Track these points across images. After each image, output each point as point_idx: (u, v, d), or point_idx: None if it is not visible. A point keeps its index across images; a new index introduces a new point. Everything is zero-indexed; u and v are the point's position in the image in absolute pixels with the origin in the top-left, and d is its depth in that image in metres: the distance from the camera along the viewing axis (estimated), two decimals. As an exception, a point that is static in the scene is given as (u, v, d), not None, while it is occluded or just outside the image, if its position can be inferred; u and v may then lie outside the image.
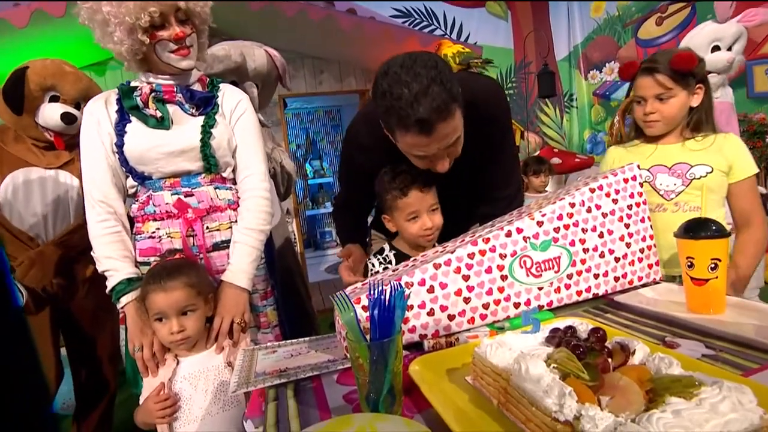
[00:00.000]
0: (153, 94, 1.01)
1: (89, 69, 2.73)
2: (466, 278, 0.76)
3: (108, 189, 1.00)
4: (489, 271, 0.77)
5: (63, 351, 1.54)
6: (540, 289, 0.81)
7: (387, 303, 0.53)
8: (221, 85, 1.11)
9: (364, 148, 1.06)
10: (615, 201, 0.88)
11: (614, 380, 0.46)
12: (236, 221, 1.07)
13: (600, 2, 4.58)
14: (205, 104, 1.05)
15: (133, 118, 1.01)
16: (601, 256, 0.86)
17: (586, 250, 0.84)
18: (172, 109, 1.03)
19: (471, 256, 0.76)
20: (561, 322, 0.62)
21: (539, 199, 0.97)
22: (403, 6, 3.85)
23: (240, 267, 1.02)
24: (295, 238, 3.36)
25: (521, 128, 3.54)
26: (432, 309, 0.74)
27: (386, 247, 1.11)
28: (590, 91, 4.69)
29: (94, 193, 0.99)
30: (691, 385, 0.43)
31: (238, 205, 1.08)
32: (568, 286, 0.83)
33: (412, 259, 0.89)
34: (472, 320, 0.77)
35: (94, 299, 1.48)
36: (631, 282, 0.89)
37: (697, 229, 0.76)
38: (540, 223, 0.81)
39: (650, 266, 0.91)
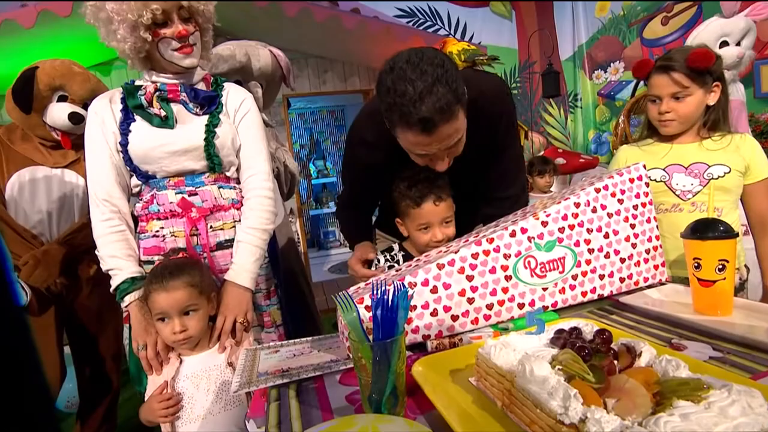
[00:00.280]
0: (157, 93, 1.01)
1: (95, 69, 2.74)
2: (470, 279, 0.75)
3: (112, 188, 1.00)
4: (493, 271, 0.76)
5: (66, 349, 1.55)
6: (544, 289, 0.80)
7: (390, 303, 0.53)
8: (225, 85, 1.11)
9: (368, 146, 1.05)
10: (620, 201, 0.87)
11: (620, 383, 0.45)
12: (240, 220, 1.07)
13: (605, 2, 4.55)
14: (209, 103, 1.05)
15: (137, 117, 1.01)
16: (607, 256, 0.85)
17: (591, 251, 0.83)
18: (176, 108, 1.04)
19: (475, 256, 0.76)
20: (566, 323, 0.61)
21: (544, 199, 0.97)
22: (407, 6, 3.84)
23: (243, 266, 1.02)
24: (298, 238, 3.36)
25: (525, 128, 3.52)
26: (435, 309, 0.73)
27: (396, 246, 1.10)
28: (595, 91, 4.67)
29: (98, 192, 1.00)
30: (700, 388, 0.43)
31: (242, 205, 1.08)
32: (572, 287, 0.82)
33: (415, 259, 0.88)
34: (475, 321, 0.76)
35: (97, 298, 1.49)
36: (636, 283, 0.88)
37: (704, 229, 0.75)
38: (545, 224, 0.80)
39: (656, 267, 0.90)
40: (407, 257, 1.07)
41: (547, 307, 0.81)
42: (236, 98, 1.09)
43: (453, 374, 0.62)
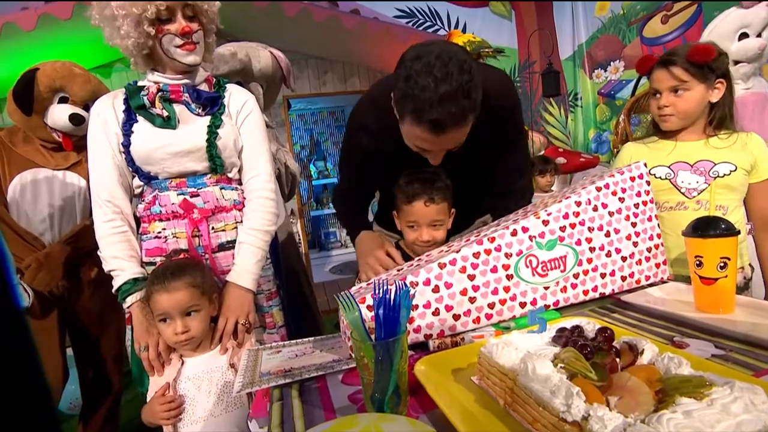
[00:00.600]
0: (160, 93, 1.02)
1: (96, 71, 2.74)
2: (471, 278, 0.75)
3: (115, 189, 1.01)
4: (494, 270, 0.76)
5: (69, 351, 1.55)
6: (546, 288, 0.80)
7: (392, 302, 0.53)
8: (228, 86, 1.11)
9: (370, 133, 1.03)
10: (621, 200, 0.87)
11: (623, 380, 0.46)
12: (242, 222, 1.07)
13: (605, 2, 4.55)
14: (211, 104, 1.05)
15: (139, 118, 1.01)
16: (608, 255, 0.85)
17: (592, 249, 0.83)
18: (178, 108, 1.04)
19: (476, 255, 0.76)
20: (568, 322, 0.61)
21: (545, 198, 0.97)
22: (407, 6, 3.84)
23: (245, 267, 1.03)
24: (299, 239, 3.36)
25: (526, 128, 3.52)
26: (437, 309, 0.73)
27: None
28: (595, 90, 4.66)
29: (101, 193, 1.00)
30: (702, 385, 0.43)
31: (244, 206, 1.08)
32: (574, 286, 0.82)
33: (416, 258, 0.88)
34: (477, 320, 0.76)
35: (99, 300, 1.49)
36: (638, 281, 0.88)
37: (706, 227, 0.75)
38: (546, 222, 0.81)
39: (657, 265, 0.90)
40: (405, 257, 1.07)
41: (549, 305, 0.81)
42: (239, 99, 1.09)
43: (455, 373, 0.62)
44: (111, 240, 0.99)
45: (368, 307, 0.68)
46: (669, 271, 0.93)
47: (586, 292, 0.84)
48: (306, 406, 0.61)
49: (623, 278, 0.87)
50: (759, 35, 1.85)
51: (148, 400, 0.94)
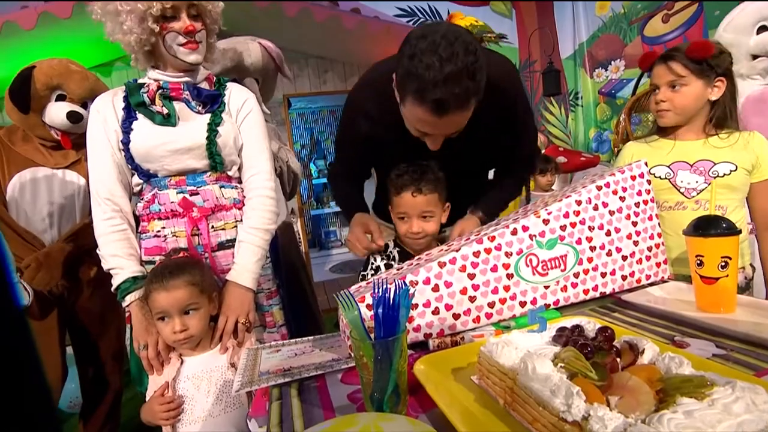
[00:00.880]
0: (160, 91, 1.01)
1: (96, 69, 2.74)
2: (471, 277, 0.75)
3: (114, 186, 1.01)
4: (495, 269, 0.76)
5: (69, 350, 1.55)
6: (546, 287, 0.80)
7: (392, 301, 0.53)
8: (228, 84, 1.11)
9: (369, 118, 1.03)
10: (622, 198, 0.87)
11: (623, 380, 0.45)
12: (241, 220, 1.07)
13: (605, 0, 4.54)
14: (211, 102, 1.05)
15: (139, 115, 1.01)
16: (608, 254, 0.84)
17: (593, 248, 0.83)
18: (178, 106, 1.04)
19: (476, 254, 0.75)
20: (568, 321, 0.61)
21: (545, 197, 0.96)
22: (408, 5, 3.84)
23: (245, 266, 1.02)
24: (299, 238, 3.36)
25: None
26: (437, 308, 0.73)
27: (390, 243, 1.10)
28: (596, 89, 4.66)
29: (100, 191, 1.00)
30: (703, 385, 0.42)
31: (244, 204, 1.08)
32: (574, 285, 0.82)
33: (416, 257, 0.88)
34: (477, 319, 0.76)
35: (99, 299, 1.49)
36: (639, 280, 0.88)
37: (706, 226, 0.75)
38: (546, 221, 0.80)
39: (658, 264, 0.90)
40: (403, 253, 1.07)
41: (549, 305, 0.80)
42: (239, 97, 1.09)
43: (455, 372, 0.62)
44: (110, 238, 0.99)
45: (368, 306, 0.68)
46: (669, 270, 0.93)
47: (586, 291, 0.83)
48: (305, 405, 0.61)
49: (624, 277, 0.86)
50: (780, 28, 1.75)
51: (147, 399, 0.94)
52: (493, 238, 0.77)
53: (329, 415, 0.57)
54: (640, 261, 0.88)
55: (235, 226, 1.06)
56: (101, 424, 1.58)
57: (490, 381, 0.56)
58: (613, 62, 4.46)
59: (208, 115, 1.04)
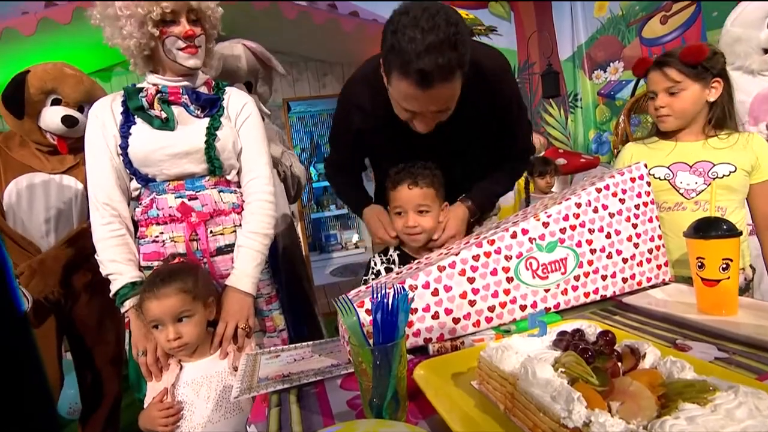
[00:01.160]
0: (159, 95, 1.01)
1: (95, 75, 2.75)
2: (471, 281, 0.74)
3: (112, 191, 1.00)
4: (494, 273, 0.76)
5: (68, 355, 1.55)
6: (546, 291, 0.79)
7: (390, 307, 0.52)
8: (227, 88, 1.11)
9: (363, 111, 1.04)
10: (622, 201, 0.87)
11: (625, 385, 0.45)
12: (240, 225, 1.06)
13: (603, 2, 4.55)
14: (210, 106, 1.05)
15: (138, 120, 1.01)
16: (609, 257, 0.84)
17: (593, 251, 0.83)
18: (177, 110, 1.03)
19: (476, 258, 0.75)
20: (569, 325, 0.61)
21: (545, 199, 0.96)
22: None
23: (244, 271, 1.02)
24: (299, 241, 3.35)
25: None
26: (437, 312, 0.73)
27: (391, 247, 1.10)
28: (595, 90, 4.66)
29: (98, 196, 1.00)
30: (706, 390, 0.42)
31: (243, 209, 1.08)
32: (575, 288, 0.82)
33: (416, 261, 0.88)
34: (477, 323, 0.75)
35: (97, 304, 1.48)
36: (639, 283, 0.88)
37: (707, 228, 0.74)
38: (546, 224, 0.80)
39: (659, 267, 0.90)
40: (403, 256, 1.07)
41: (550, 308, 0.80)
42: (238, 102, 1.09)
43: (455, 378, 0.61)
44: (109, 243, 0.98)
45: (367, 311, 0.68)
46: (670, 272, 0.92)
47: (587, 294, 0.83)
48: (304, 411, 0.60)
49: (624, 280, 0.86)
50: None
51: (145, 405, 0.93)
52: (492, 242, 0.76)
53: (328, 422, 0.57)
54: (640, 263, 0.87)
55: (234, 231, 1.06)
56: (100, 430, 1.57)
57: (491, 386, 0.55)
58: (611, 64, 4.47)
59: (207, 120, 1.04)
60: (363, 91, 1.03)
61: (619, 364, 0.50)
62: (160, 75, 1.03)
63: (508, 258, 0.77)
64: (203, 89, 1.07)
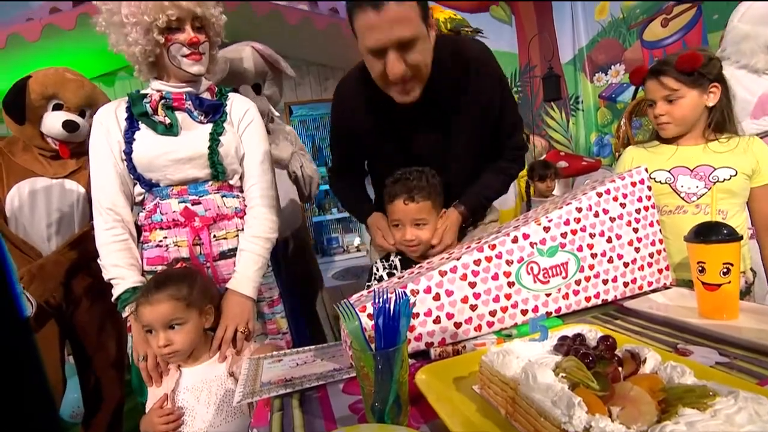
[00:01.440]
0: (162, 101, 1.03)
1: (99, 79, 2.78)
2: (472, 285, 0.75)
3: (116, 196, 1.01)
4: (495, 277, 0.76)
5: (70, 359, 1.55)
6: (548, 295, 0.80)
7: (392, 312, 0.53)
8: (230, 94, 1.13)
9: (355, 110, 1.07)
10: (623, 205, 0.87)
11: (625, 390, 0.45)
12: (243, 229, 1.07)
13: (604, 2, 4.56)
14: (213, 112, 1.06)
15: (141, 126, 1.02)
16: (610, 261, 0.84)
17: (594, 256, 0.83)
18: (180, 116, 1.05)
19: (477, 262, 0.75)
20: (570, 330, 0.61)
21: (546, 203, 0.97)
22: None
23: (245, 275, 1.02)
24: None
25: (527, 132, 3.52)
26: (438, 317, 0.73)
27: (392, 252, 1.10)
28: (596, 93, 4.67)
29: (102, 201, 1.00)
30: (706, 395, 0.42)
31: (245, 213, 1.09)
32: (576, 292, 0.82)
33: (417, 266, 0.88)
34: (479, 327, 0.76)
35: (99, 309, 1.49)
36: (641, 287, 0.88)
37: (708, 232, 0.74)
38: (547, 229, 0.80)
39: (660, 271, 0.90)
40: (405, 261, 1.07)
41: (551, 312, 0.80)
42: (241, 107, 1.10)
43: (456, 382, 0.61)
44: (112, 248, 0.99)
45: (369, 316, 0.68)
46: (672, 276, 0.92)
47: (588, 299, 0.83)
48: (307, 416, 0.60)
49: (625, 284, 0.86)
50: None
51: (147, 411, 0.94)
52: (493, 246, 0.77)
53: (330, 426, 0.57)
54: (641, 267, 0.87)
55: (237, 235, 1.07)
56: (103, 434, 1.57)
57: (492, 391, 0.55)
58: (613, 66, 4.48)
59: (210, 125, 1.05)
60: (354, 90, 1.06)
61: (620, 368, 0.50)
62: (164, 81, 1.04)
63: (509, 262, 0.77)
64: (206, 95, 1.08)
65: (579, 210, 0.83)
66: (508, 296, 0.77)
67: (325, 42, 2.84)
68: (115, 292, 0.98)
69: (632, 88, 1.33)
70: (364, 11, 0.84)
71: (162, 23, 0.94)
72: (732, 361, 0.61)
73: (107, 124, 1.02)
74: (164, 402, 0.90)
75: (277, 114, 1.66)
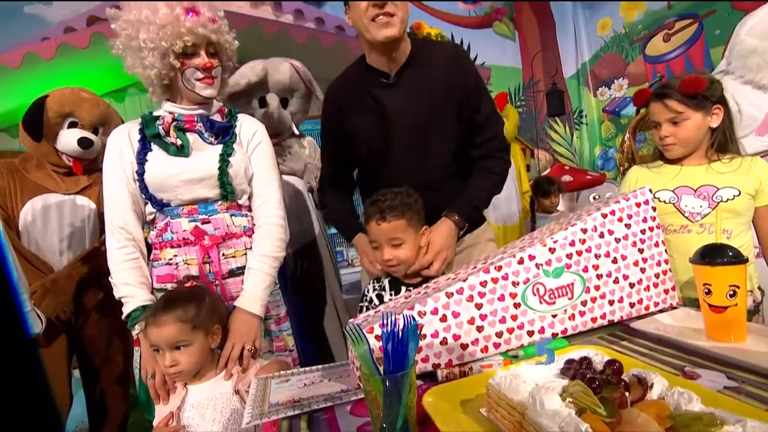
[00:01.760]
0: (174, 123, 1.06)
1: (110, 95, 2.83)
2: (478, 306, 0.75)
3: (128, 216, 1.04)
4: (502, 299, 0.77)
5: (75, 373, 1.56)
6: (554, 316, 0.80)
7: (400, 336, 0.54)
8: (239, 116, 1.16)
9: (342, 109, 1.15)
10: (628, 226, 0.88)
11: (632, 416, 0.45)
12: (251, 248, 1.09)
13: (606, 18, 4.61)
14: (223, 133, 1.09)
15: (154, 147, 1.05)
16: (615, 281, 0.85)
17: (599, 276, 0.83)
18: (192, 137, 1.07)
19: (483, 284, 0.76)
20: (576, 352, 0.61)
21: (551, 224, 0.97)
22: (412, 29, 3.93)
23: (253, 293, 1.04)
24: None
25: (530, 146, 3.53)
26: (445, 338, 0.73)
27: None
28: (600, 107, 4.70)
29: (114, 220, 1.03)
30: (713, 423, 0.42)
31: (253, 232, 1.10)
32: (582, 313, 0.82)
33: (424, 286, 0.89)
34: (485, 349, 0.76)
35: (107, 324, 1.50)
36: (647, 308, 0.88)
37: (713, 255, 0.75)
38: (552, 250, 0.81)
39: (666, 291, 0.90)
40: (393, 282, 1.07)
41: (557, 333, 0.80)
42: (249, 129, 1.13)
43: (464, 404, 0.61)
44: (123, 267, 1.01)
45: (376, 337, 0.69)
46: (678, 296, 0.92)
47: (594, 320, 0.83)
48: (315, 438, 0.61)
49: (632, 305, 0.86)
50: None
51: (153, 429, 0.94)
52: (499, 268, 0.77)
53: (339, 449, 0.58)
54: (647, 288, 0.88)
55: (245, 254, 1.08)
56: (107, 449, 1.57)
57: (499, 414, 0.55)
58: (616, 81, 4.51)
59: (220, 146, 1.07)
60: (341, 91, 1.18)
61: (627, 394, 0.51)
62: (177, 103, 1.07)
63: (515, 284, 0.78)
64: (217, 117, 1.11)
65: (584, 231, 0.84)
66: (514, 317, 0.77)
67: (331, 60, 2.88)
68: (126, 310, 1.00)
69: (636, 101, 1.34)
70: None
71: (178, 49, 0.98)
72: (740, 386, 0.61)
73: (121, 145, 1.05)
74: (170, 420, 0.91)
75: (296, 132, 1.71)
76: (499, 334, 0.76)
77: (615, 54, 4.59)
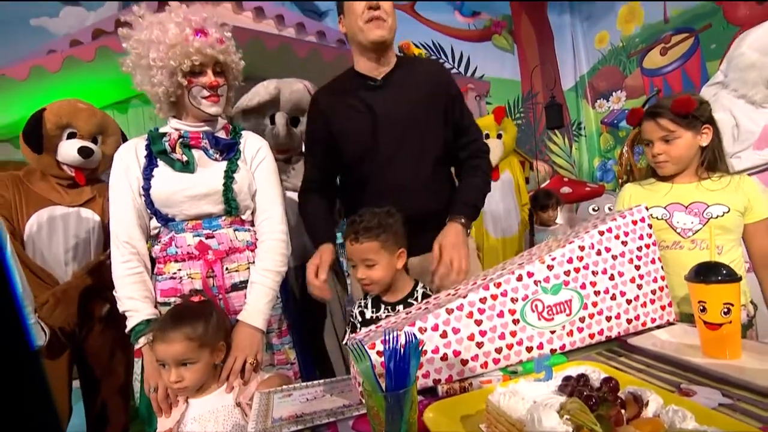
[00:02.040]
0: (180, 139, 1.08)
1: (113, 107, 2.86)
2: (478, 323, 0.77)
3: (133, 230, 1.05)
4: (501, 315, 0.78)
5: (75, 383, 1.56)
6: (552, 332, 0.81)
7: (402, 353, 0.55)
8: (243, 133, 1.18)
9: (326, 115, 1.19)
10: (624, 243, 0.89)
11: (628, 435, 0.47)
12: (254, 262, 1.10)
13: (604, 32, 4.67)
14: (228, 150, 1.12)
15: (160, 163, 1.07)
16: (613, 298, 0.86)
17: (597, 293, 0.85)
18: (197, 154, 1.10)
19: (483, 300, 0.78)
20: (574, 369, 0.63)
21: (549, 241, 0.99)
22: (411, 42, 3.99)
23: (256, 307, 1.05)
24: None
25: (529, 159, 3.56)
26: (445, 354, 0.75)
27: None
28: (598, 119, 4.74)
29: (119, 234, 1.04)
30: (705, 442, 0.44)
31: (256, 247, 1.12)
32: (580, 329, 0.83)
33: (424, 302, 0.90)
34: (485, 365, 0.77)
35: (109, 336, 1.50)
36: (644, 324, 0.89)
37: (707, 273, 0.76)
38: (550, 267, 0.83)
39: (663, 308, 0.91)
40: (375, 300, 1.08)
41: (555, 349, 0.82)
42: (253, 146, 1.16)
43: (464, 420, 0.63)
44: (127, 281, 1.02)
45: (378, 353, 0.70)
46: (675, 312, 0.94)
47: (592, 336, 0.85)
48: (317, 453, 0.62)
49: (629, 321, 0.88)
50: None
51: None
52: (499, 285, 0.79)
53: (341, 465, 0.58)
54: (644, 304, 0.89)
55: (248, 268, 1.10)
56: (107, 461, 1.56)
57: (498, 430, 0.57)
58: (614, 93, 4.56)
59: (225, 163, 1.10)
60: (328, 94, 1.23)
61: (623, 411, 0.52)
62: (183, 120, 1.10)
63: (514, 300, 0.79)
64: (222, 134, 1.14)
65: (582, 248, 0.86)
66: (513, 333, 0.79)
67: (333, 73, 2.93)
68: (129, 324, 1.01)
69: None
70: None
71: (186, 67, 1.01)
72: (735, 403, 0.62)
73: (127, 160, 1.07)
74: None
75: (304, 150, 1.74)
76: (498, 350, 0.78)
77: (613, 67, 4.65)
